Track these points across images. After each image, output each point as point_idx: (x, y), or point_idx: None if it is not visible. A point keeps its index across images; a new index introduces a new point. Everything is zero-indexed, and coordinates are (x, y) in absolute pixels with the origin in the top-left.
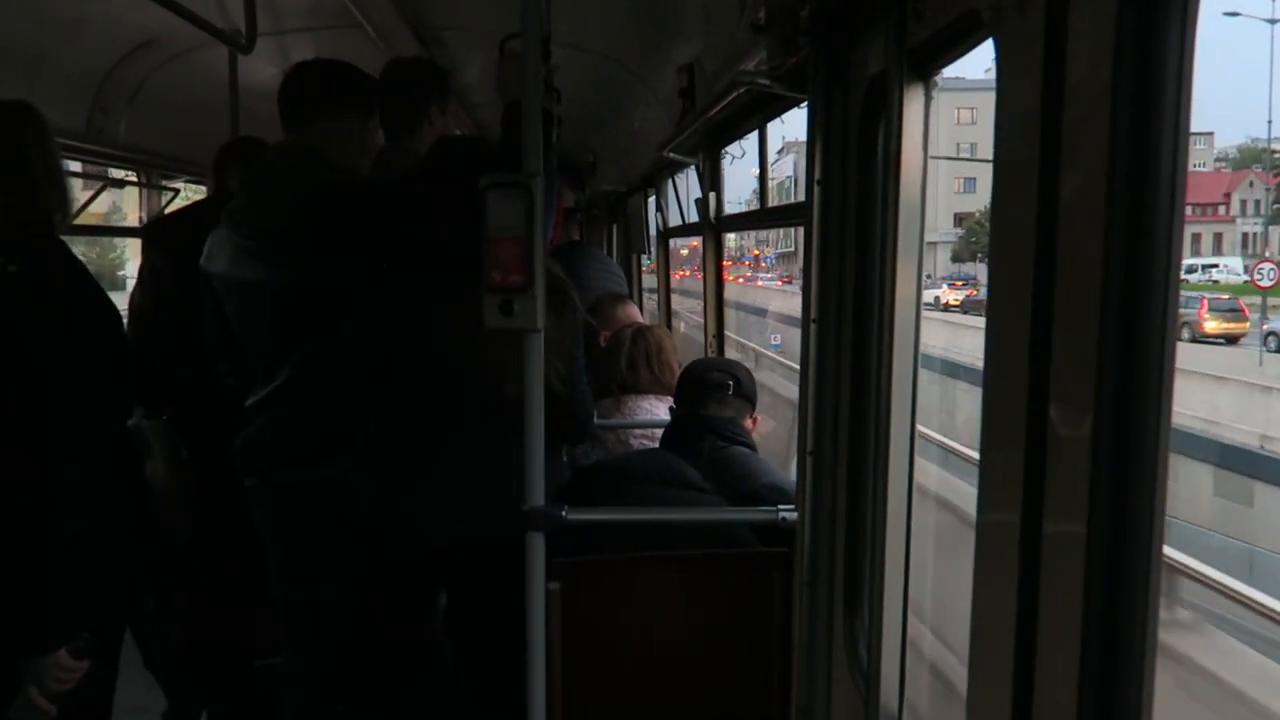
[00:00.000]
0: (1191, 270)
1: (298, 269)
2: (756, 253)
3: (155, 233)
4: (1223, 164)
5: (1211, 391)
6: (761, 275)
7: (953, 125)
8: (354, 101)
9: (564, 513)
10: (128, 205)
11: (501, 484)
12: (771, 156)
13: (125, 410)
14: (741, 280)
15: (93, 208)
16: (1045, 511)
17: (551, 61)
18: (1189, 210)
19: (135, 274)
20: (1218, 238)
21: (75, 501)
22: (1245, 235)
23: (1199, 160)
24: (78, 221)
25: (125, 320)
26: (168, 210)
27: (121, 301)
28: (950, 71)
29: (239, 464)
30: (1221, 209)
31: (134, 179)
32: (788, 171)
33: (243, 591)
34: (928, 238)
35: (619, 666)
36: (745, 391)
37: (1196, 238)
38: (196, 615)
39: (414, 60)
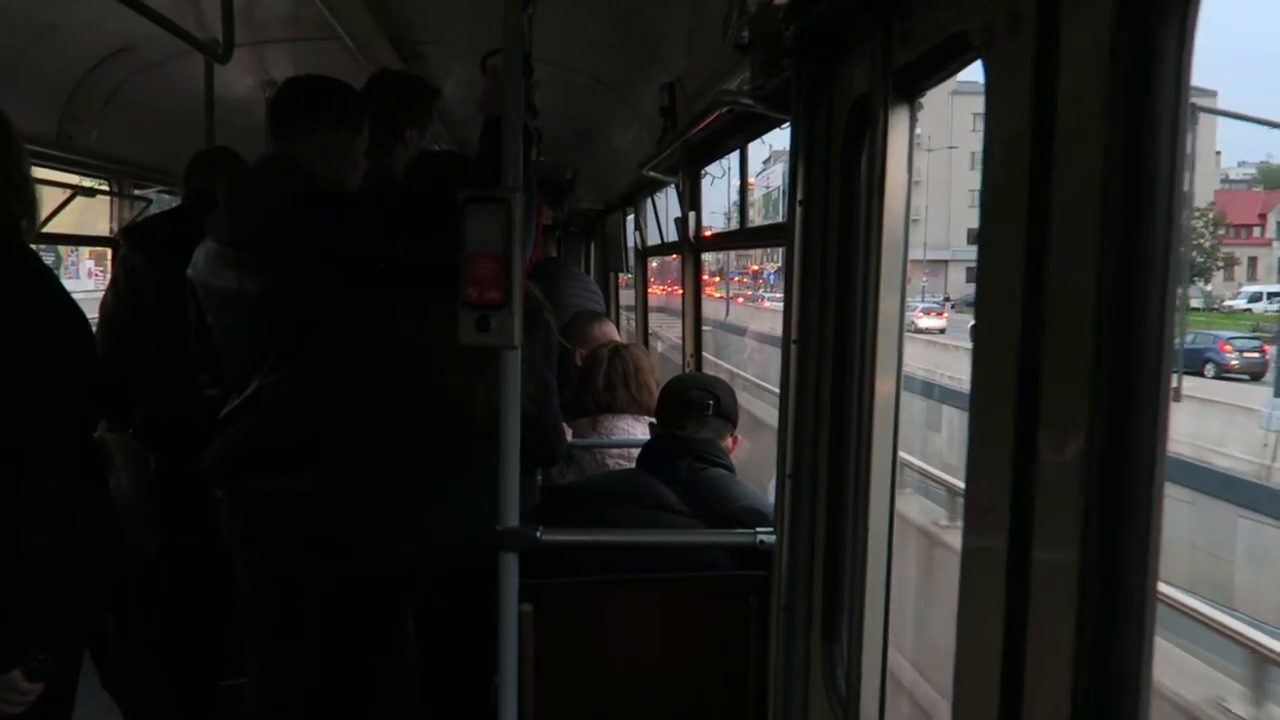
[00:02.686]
0: (1256, 299)
1: (271, 278)
2: (755, 268)
3: (135, 235)
4: (1226, 185)
5: None
6: (769, 295)
7: (968, 132)
8: (341, 117)
9: (538, 534)
10: (98, 215)
11: (468, 503)
12: (758, 167)
13: (92, 423)
14: (742, 300)
15: (61, 217)
16: (1035, 538)
17: (533, 78)
18: (1221, 232)
19: None
20: (1253, 261)
21: (39, 517)
22: None
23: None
24: (47, 230)
25: (95, 327)
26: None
27: None
28: (965, 75)
29: (209, 474)
30: (1256, 230)
31: (105, 188)
32: (777, 181)
33: (208, 610)
34: (938, 255)
35: (592, 690)
36: (725, 411)
37: (1230, 259)
38: (159, 634)
39: (396, 77)
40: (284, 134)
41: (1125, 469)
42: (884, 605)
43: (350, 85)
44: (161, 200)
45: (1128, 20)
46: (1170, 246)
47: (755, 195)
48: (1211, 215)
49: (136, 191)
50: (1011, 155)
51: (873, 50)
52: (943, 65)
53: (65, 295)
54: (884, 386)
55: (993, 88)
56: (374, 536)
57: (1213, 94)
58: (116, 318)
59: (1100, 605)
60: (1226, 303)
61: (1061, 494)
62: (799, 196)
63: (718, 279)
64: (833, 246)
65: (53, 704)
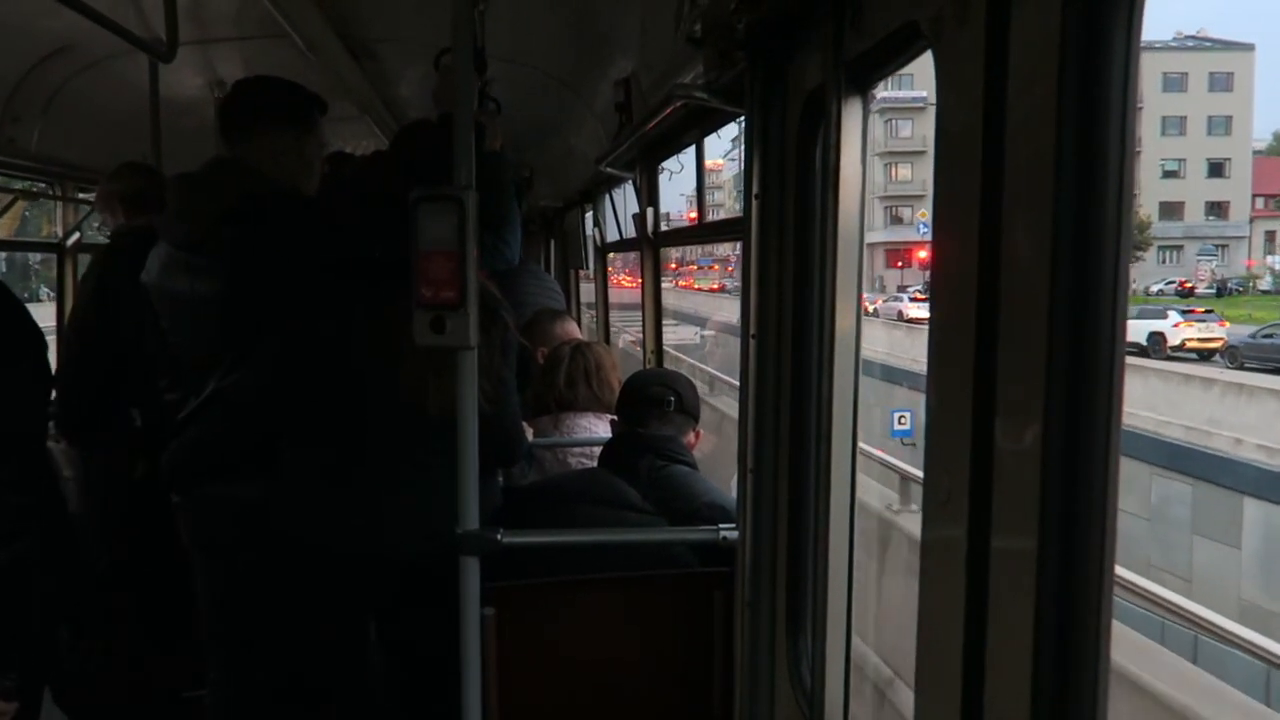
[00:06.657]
0: None
1: (221, 281)
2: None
3: (127, 240)
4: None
5: None
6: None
7: None
8: (289, 116)
9: (499, 536)
10: (42, 219)
11: (425, 504)
12: (726, 146)
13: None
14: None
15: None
16: (994, 528)
17: (487, 74)
18: (1259, 203)
19: None
20: (1270, 235)
21: (3, 534)
22: None
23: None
24: None
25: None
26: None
27: None
28: None
29: (165, 479)
30: None
31: (49, 192)
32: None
33: (166, 621)
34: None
35: (558, 692)
36: (687, 406)
37: (1270, 236)
38: (115, 648)
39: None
40: (234, 137)
41: (1081, 456)
42: (846, 597)
43: (299, 85)
44: None
45: (1076, 9)
46: (1121, 233)
47: (725, 176)
48: None
49: (82, 195)
50: (963, 145)
51: (825, 41)
52: (894, 55)
53: (20, 303)
54: (843, 378)
55: (942, 78)
56: (332, 540)
57: (1250, 48)
58: (87, 326)
59: (1058, 592)
60: None
61: (1019, 483)
62: (754, 190)
63: (693, 266)
64: (789, 239)
65: None
